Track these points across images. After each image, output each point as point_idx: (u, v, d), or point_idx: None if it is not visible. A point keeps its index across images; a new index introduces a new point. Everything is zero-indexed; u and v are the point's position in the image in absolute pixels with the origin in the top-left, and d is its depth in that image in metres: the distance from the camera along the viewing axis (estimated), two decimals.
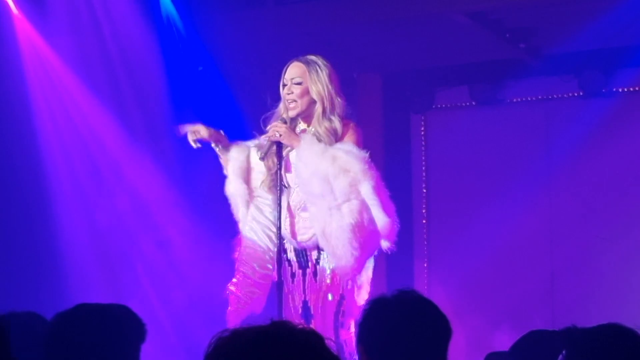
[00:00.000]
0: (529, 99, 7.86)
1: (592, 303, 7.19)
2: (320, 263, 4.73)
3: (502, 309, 7.50)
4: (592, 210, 7.54)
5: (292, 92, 4.81)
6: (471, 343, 6.87)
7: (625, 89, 7.60)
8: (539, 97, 7.84)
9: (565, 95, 7.78)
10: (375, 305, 2.64)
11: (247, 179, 4.90)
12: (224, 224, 6.78)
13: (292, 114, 4.80)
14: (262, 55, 7.40)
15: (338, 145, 4.70)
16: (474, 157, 7.86)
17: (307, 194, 4.63)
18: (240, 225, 4.90)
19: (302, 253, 4.75)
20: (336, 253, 4.56)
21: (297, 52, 7.32)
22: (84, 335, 2.50)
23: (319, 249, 4.70)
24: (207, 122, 7.46)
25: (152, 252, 6.98)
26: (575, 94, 7.73)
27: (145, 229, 6.93)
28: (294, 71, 4.89)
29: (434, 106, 8.13)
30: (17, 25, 6.62)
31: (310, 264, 4.74)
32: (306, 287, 4.72)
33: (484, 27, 6.93)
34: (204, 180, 7.38)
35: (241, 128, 7.42)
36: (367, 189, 4.61)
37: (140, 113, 6.95)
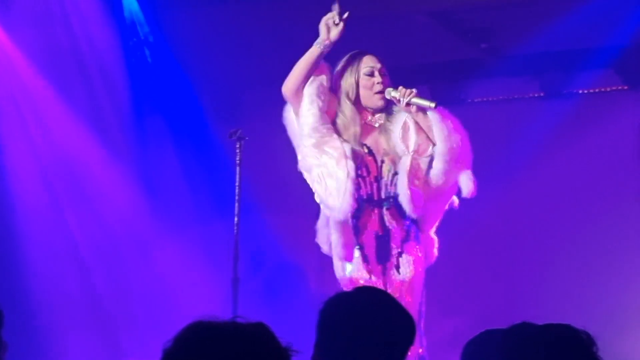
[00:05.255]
0: (490, 99, 7.89)
1: (550, 303, 7.24)
2: (403, 256, 4.72)
3: (463, 307, 7.53)
4: (552, 210, 7.59)
5: (383, 83, 4.81)
6: (442, 341, 6.90)
7: (586, 91, 7.66)
8: (500, 97, 7.88)
9: (526, 96, 7.82)
10: (334, 301, 2.63)
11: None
12: (191, 222, 6.77)
13: (380, 104, 4.80)
14: (225, 53, 7.39)
15: None
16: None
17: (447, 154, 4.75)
18: None
19: (384, 246, 4.72)
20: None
21: (260, 49, 7.36)
22: None
23: (406, 237, 4.73)
24: (169, 120, 7.48)
25: (125, 255, 6.95)
26: (536, 95, 7.77)
27: (107, 232, 6.90)
28: (379, 63, 4.88)
29: None
30: None
31: (393, 258, 4.71)
32: (387, 282, 4.70)
33: (445, 27, 6.96)
34: (166, 176, 7.37)
35: (204, 125, 7.43)
36: None
37: (102, 109, 6.93)
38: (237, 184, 4.77)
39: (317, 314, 2.62)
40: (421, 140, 4.76)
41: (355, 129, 4.71)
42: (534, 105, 7.74)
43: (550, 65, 7.57)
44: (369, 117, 4.84)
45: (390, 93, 4.76)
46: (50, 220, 6.72)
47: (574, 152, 7.56)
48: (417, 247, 4.77)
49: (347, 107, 4.75)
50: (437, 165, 4.73)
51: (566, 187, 7.57)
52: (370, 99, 4.80)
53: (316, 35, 7.20)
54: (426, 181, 4.75)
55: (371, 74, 4.81)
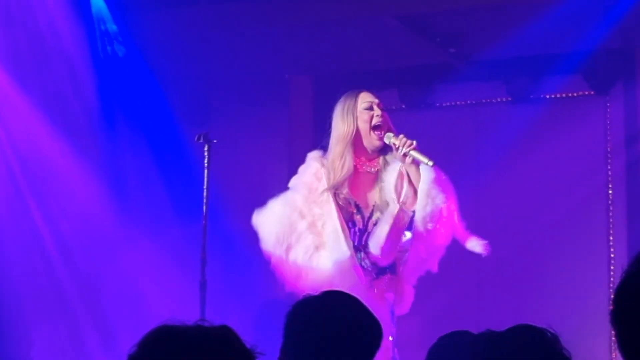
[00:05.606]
0: (458, 103, 7.93)
1: (516, 304, 7.28)
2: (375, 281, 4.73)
3: (431, 310, 7.55)
4: (520, 213, 7.63)
5: (382, 117, 4.74)
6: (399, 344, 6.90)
7: (552, 96, 7.71)
8: (468, 101, 7.91)
9: (493, 101, 7.86)
10: (301, 304, 2.62)
11: None
12: (155, 224, 6.74)
13: (377, 144, 4.70)
14: (194, 54, 7.38)
15: None
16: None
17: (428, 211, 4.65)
18: None
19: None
20: None
21: (229, 52, 7.34)
22: None
23: (379, 274, 4.73)
24: (138, 122, 7.44)
25: (85, 257, 6.91)
26: (504, 100, 7.81)
27: (76, 232, 6.85)
28: (376, 99, 4.80)
29: None
30: None
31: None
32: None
33: (414, 31, 6.98)
34: (134, 178, 7.33)
35: (172, 128, 7.41)
36: None
37: (70, 110, 6.89)
38: (205, 186, 4.76)
39: (284, 317, 2.61)
40: (410, 193, 4.69)
41: (342, 173, 4.63)
42: (501, 109, 7.78)
43: (518, 70, 7.62)
44: (366, 164, 4.78)
45: (390, 139, 4.66)
46: (19, 221, 6.68)
47: (542, 157, 7.60)
48: (390, 279, 4.78)
49: (336, 151, 4.67)
50: (417, 224, 4.69)
51: (534, 191, 7.61)
52: (368, 138, 4.69)
53: (286, 39, 7.21)
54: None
55: (370, 108, 4.73)
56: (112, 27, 7.00)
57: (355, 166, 4.70)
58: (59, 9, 6.69)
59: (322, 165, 4.65)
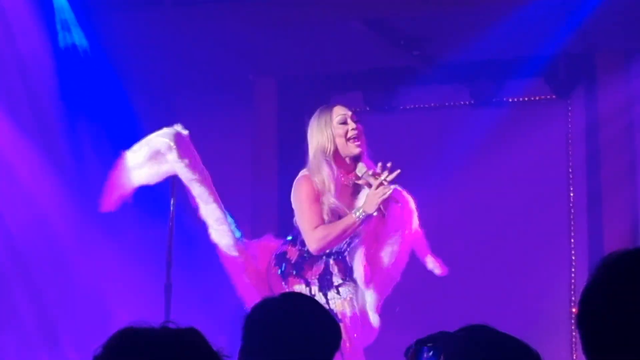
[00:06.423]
0: (422, 106, 7.97)
1: (474, 307, 7.33)
2: (344, 285, 4.79)
3: (391, 311, 7.57)
4: (481, 216, 7.68)
5: (357, 129, 4.81)
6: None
7: (515, 99, 7.77)
8: (432, 104, 7.96)
9: (457, 104, 7.91)
10: (259, 306, 2.63)
11: None
12: (115, 225, 6.71)
13: (357, 151, 4.78)
14: (158, 54, 7.36)
15: None
16: (366, 163, 7.92)
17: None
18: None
19: (326, 282, 4.76)
20: None
21: (193, 53, 7.34)
22: None
23: (346, 277, 4.78)
24: (102, 123, 7.41)
25: (44, 261, 6.87)
26: (467, 103, 7.86)
27: (36, 234, 6.81)
28: (349, 111, 4.87)
29: None
30: None
31: (333, 287, 4.77)
32: (329, 302, 4.74)
33: (378, 34, 7.01)
34: (97, 179, 7.30)
35: (137, 128, 7.38)
36: None
37: (32, 113, 6.84)
38: (170, 188, 4.76)
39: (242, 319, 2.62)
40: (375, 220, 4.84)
41: (330, 185, 4.72)
42: (464, 113, 7.82)
43: (481, 74, 7.67)
44: (345, 176, 4.85)
45: (369, 177, 4.78)
46: None
47: (504, 160, 7.65)
48: (355, 286, 4.86)
49: (322, 165, 4.74)
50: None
51: (496, 193, 7.66)
52: (347, 147, 4.80)
53: (251, 40, 7.21)
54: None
55: (344, 122, 4.82)
56: (73, 19, 6.96)
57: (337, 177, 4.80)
58: (23, 12, 6.64)
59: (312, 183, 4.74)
